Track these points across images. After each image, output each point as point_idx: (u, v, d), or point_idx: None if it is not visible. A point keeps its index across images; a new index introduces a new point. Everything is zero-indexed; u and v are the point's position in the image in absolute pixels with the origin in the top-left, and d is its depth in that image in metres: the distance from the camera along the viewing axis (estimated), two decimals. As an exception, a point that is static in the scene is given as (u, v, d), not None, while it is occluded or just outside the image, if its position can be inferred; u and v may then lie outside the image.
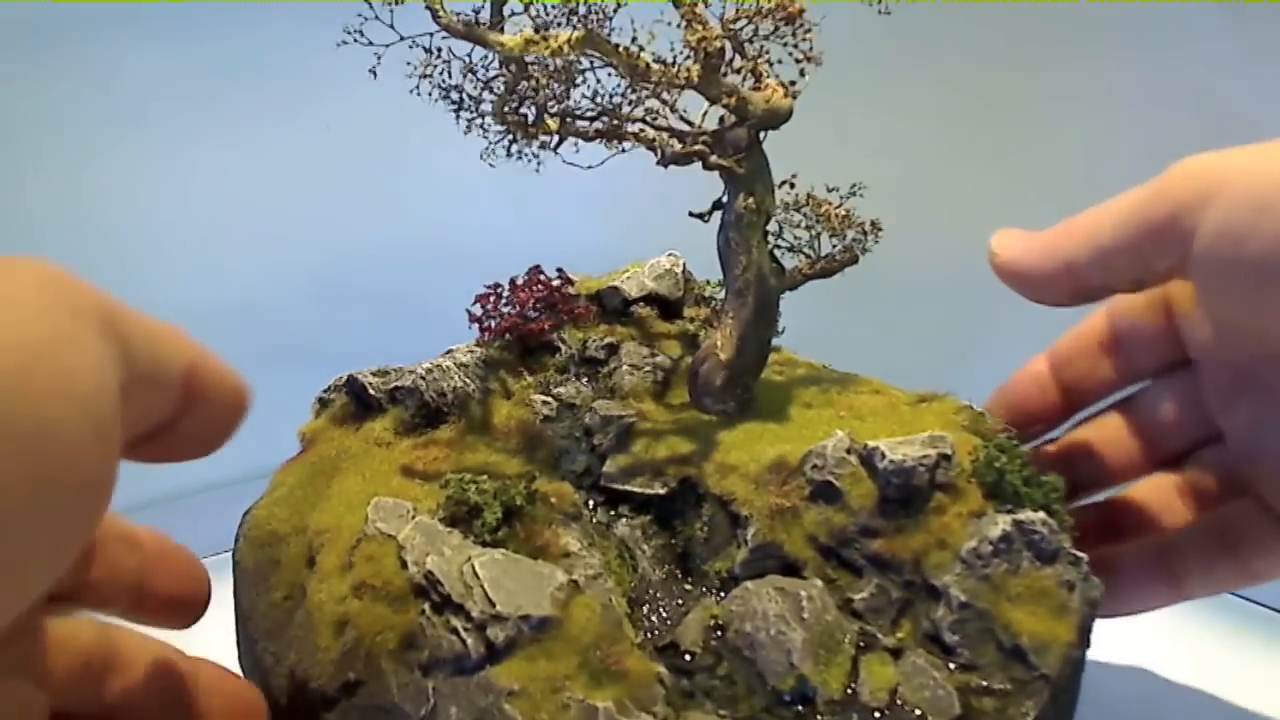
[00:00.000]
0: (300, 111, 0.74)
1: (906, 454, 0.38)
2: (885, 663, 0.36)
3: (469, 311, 0.54)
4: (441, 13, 0.37)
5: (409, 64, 0.39)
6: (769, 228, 0.48)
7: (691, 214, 0.48)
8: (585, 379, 0.53)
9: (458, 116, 0.40)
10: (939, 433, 0.40)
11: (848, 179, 0.47)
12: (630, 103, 0.43)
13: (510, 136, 0.43)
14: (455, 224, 0.78)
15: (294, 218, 0.74)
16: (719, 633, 0.38)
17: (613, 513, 0.43)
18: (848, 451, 0.40)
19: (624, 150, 0.45)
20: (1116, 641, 0.49)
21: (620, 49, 0.38)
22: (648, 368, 0.51)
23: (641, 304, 0.56)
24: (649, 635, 0.39)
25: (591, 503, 0.43)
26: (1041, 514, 0.38)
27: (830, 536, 0.39)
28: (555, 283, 0.56)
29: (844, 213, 0.47)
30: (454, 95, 0.40)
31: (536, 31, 0.37)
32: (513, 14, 0.38)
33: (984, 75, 0.72)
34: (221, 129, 0.74)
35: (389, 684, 0.33)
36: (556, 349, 0.54)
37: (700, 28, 0.39)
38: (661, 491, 0.42)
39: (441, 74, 0.40)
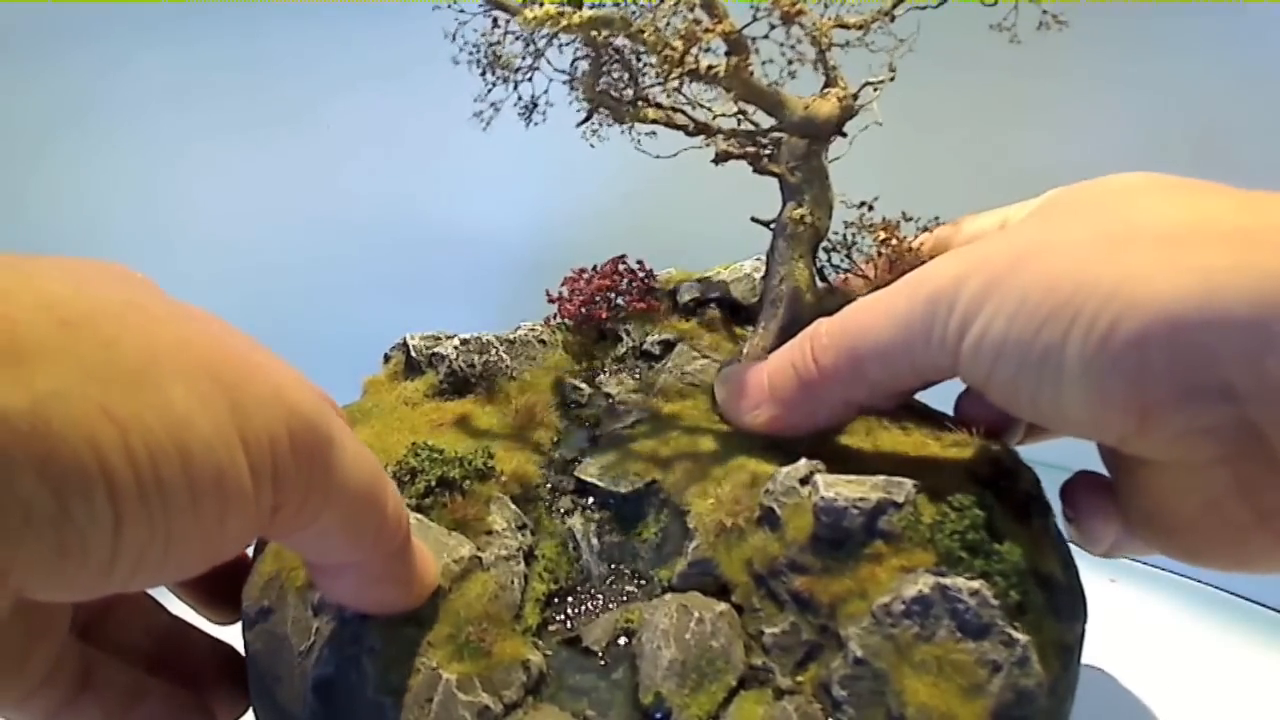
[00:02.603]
0: (300, 110, 0.77)
1: (841, 493, 0.36)
2: (761, 703, 0.34)
3: (548, 291, 0.57)
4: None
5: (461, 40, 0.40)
6: (828, 244, 0.46)
7: (754, 219, 0.47)
8: (637, 372, 0.53)
9: (506, 83, 0.42)
10: (900, 479, 0.37)
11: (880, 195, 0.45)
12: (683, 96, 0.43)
13: (598, 116, 0.44)
14: (455, 216, 0.79)
15: (295, 214, 0.77)
16: (627, 638, 0.38)
17: (574, 503, 0.44)
18: (801, 481, 0.38)
19: (708, 144, 0.45)
20: (1113, 640, 0.49)
21: (645, 32, 0.38)
22: (690, 369, 0.51)
23: (712, 306, 0.56)
24: (566, 626, 0.39)
25: (557, 490, 0.44)
26: (977, 583, 0.34)
27: (764, 564, 0.38)
28: (636, 275, 0.57)
29: (908, 245, 0.45)
30: (499, 67, 0.41)
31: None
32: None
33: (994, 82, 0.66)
34: (221, 128, 0.77)
35: (287, 616, 0.37)
36: (621, 339, 0.55)
37: (717, 20, 0.38)
38: (623, 491, 0.42)
39: (496, 42, 0.41)
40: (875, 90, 0.42)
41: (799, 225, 0.44)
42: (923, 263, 0.43)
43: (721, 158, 0.44)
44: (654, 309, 0.56)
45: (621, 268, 0.57)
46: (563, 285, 0.57)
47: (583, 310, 0.55)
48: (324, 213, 0.79)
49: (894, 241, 0.44)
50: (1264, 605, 0.62)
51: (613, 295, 0.55)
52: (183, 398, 0.24)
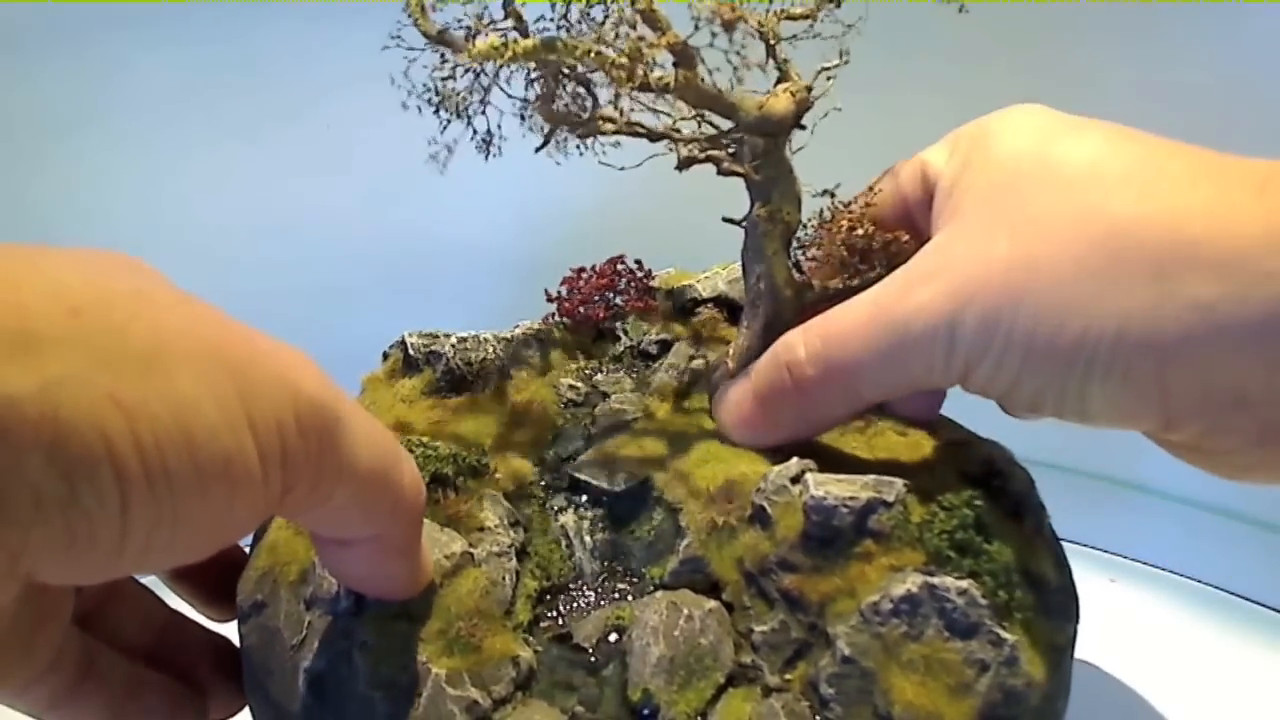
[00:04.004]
0: (300, 110, 0.77)
1: (831, 492, 0.36)
2: (748, 700, 0.35)
3: (547, 291, 0.57)
4: (420, 20, 0.39)
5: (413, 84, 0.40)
6: (799, 240, 0.46)
7: (725, 219, 0.47)
8: (634, 371, 0.53)
9: (459, 118, 0.41)
10: (890, 478, 0.38)
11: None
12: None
13: (556, 133, 0.44)
14: (455, 216, 0.79)
15: (294, 214, 0.77)
16: (617, 635, 0.38)
17: (568, 501, 0.44)
18: (792, 480, 0.38)
19: (671, 150, 0.45)
20: (1114, 640, 0.50)
21: (589, 52, 0.38)
22: (685, 369, 0.51)
23: (710, 305, 0.56)
24: (558, 622, 0.40)
25: (551, 488, 0.44)
26: (965, 583, 0.34)
27: (754, 563, 0.38)
28: (635, 275, 0.57)
29: (869, 230, 0.44)
30: (449, 104, 0.41)
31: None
32: (491, 22, 0.39)
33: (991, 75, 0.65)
34: (221, 128, 0.77)
35: (280, 610, 0.37)
36: (619, 338, 0.55)
37: (661, 34, 0.38)
38: (616, 489, 0.43)
39: (446, 78, 0.41)
40: (829, 78, 0.42)
41: (769, 223, 0.44)
42: (889, 241, 0.43)
43: (685, 164, 0.44)
44: (651, 308, 0.56)
45: (620, 267, 0.57)
46: (561, 284, 0.57)
47: (581, 309, 0.55)
48: (324, 212, 0.79)
49: (859, 231, 0.44)
50: (1264, 605, 0.62)
51: (611, 295, 0.55)
52: (190, 383, 0.24)
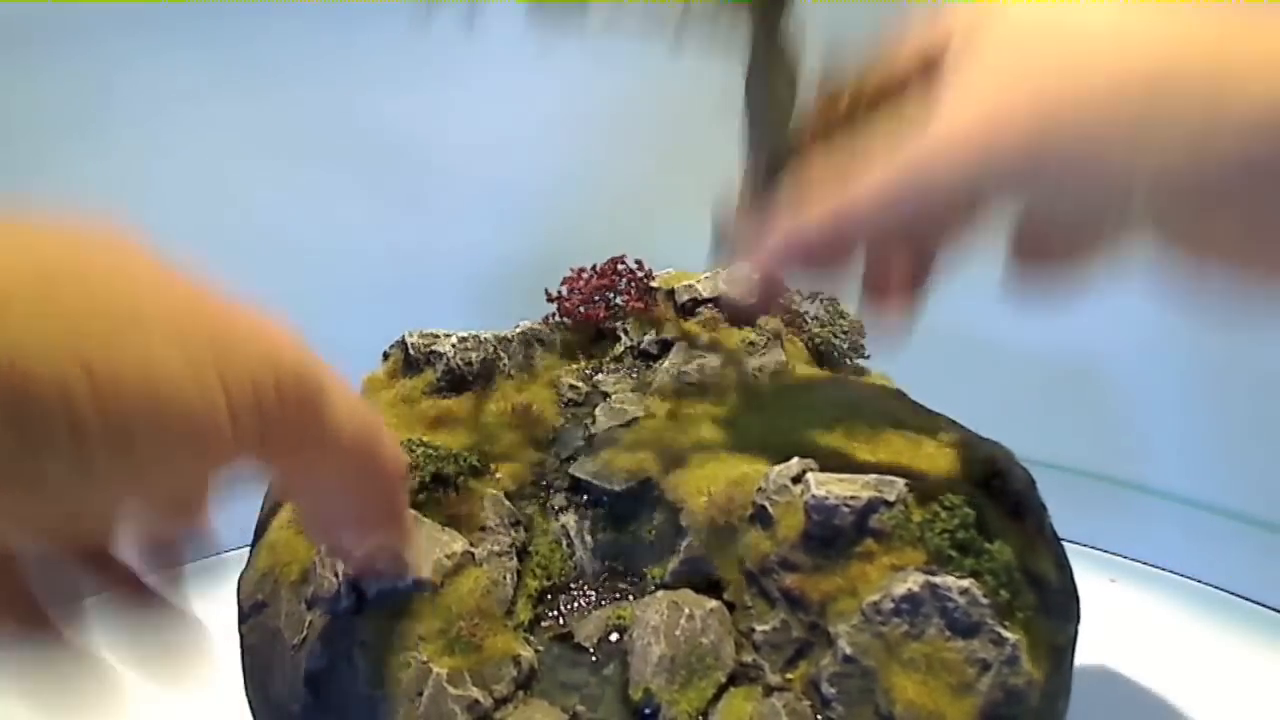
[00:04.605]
0: (300, 111, 0.77)
1: (832, 491, 0.36)
2: (749, 699, 0.35)
3: (547, 291, 0.57)
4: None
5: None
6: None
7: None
8: (634, 371, 0.53)
9: None
10: (891, 478, 0.37)
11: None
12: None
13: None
14: (457, 215, 0.79)
15: (294, 216, 0.77)
16: (618, 634, 0.38)
17: (568, 500, 0.44)
18: (793, 480, 0.38)
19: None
20: (1113, 640, 0.49)
21: None
22: (688, 368, 0.51)
23: (710, 306, 0.56)
24: (559, 622, 0.40)
25: (551, 488, 0.44)
26: (967, 582, 0.34)
27: (755, 562, 0.38)
28: (635, 275, 0.57)
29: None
30: None
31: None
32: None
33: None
34: (221, 129, 0.77)
35: (280, 610, 0.37)
36: (619, 338, 0.55)
37: None
38: (617, 489, 0.43)
39: None
40: None
41: (775, 59, 0.43)
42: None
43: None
44: (652, 308, 0.56)
45: (620, 267, 0.57)
46: (561, 284, 0.57)
47: (581, 309, 0.55)
48: (324, 212, 0.79)
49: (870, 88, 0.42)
50: (1264, 605, 0.62)
51: (611, 295, 0.55)
52: (160, 344, 0.24)
